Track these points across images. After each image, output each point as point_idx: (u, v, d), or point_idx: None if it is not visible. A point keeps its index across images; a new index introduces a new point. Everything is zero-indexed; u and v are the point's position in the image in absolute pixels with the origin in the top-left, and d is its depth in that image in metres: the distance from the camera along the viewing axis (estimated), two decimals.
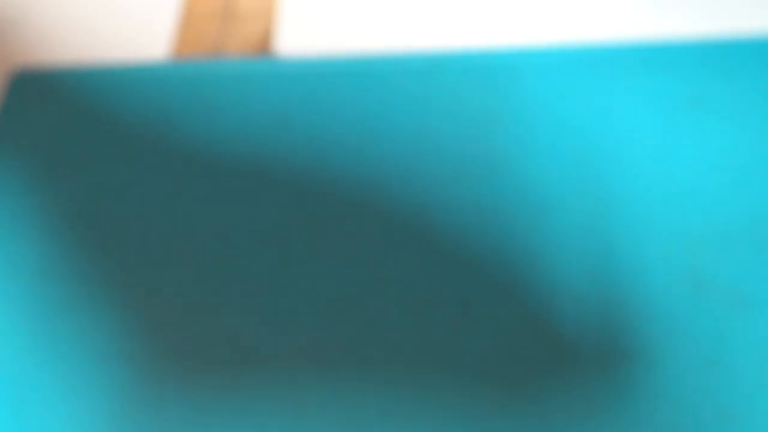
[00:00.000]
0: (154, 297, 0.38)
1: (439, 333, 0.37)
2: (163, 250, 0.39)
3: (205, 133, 0.43)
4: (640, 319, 0.37)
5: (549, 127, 0.43)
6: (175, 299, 0.38)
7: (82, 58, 0.47)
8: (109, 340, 0.37)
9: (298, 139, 0.42)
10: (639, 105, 0.43)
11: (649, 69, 0.45)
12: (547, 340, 0.36)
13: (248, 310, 0.38)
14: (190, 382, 0.36)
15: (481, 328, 0.37)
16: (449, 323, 0.37)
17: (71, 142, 0.43)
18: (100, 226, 0.40)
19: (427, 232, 0.39)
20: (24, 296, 0.38)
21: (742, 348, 0.36)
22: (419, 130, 0.43)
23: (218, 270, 0.38)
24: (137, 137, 0.43)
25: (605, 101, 0.44)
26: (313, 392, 0.35)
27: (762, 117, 0.42)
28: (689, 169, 0.42)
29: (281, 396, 0.35)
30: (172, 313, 0.38)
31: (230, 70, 0.45)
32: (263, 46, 0.46)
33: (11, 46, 0.48)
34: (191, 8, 0.48)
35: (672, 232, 0.39)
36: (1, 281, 0.39)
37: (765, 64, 0.43)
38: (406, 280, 0.38)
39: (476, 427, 0.35)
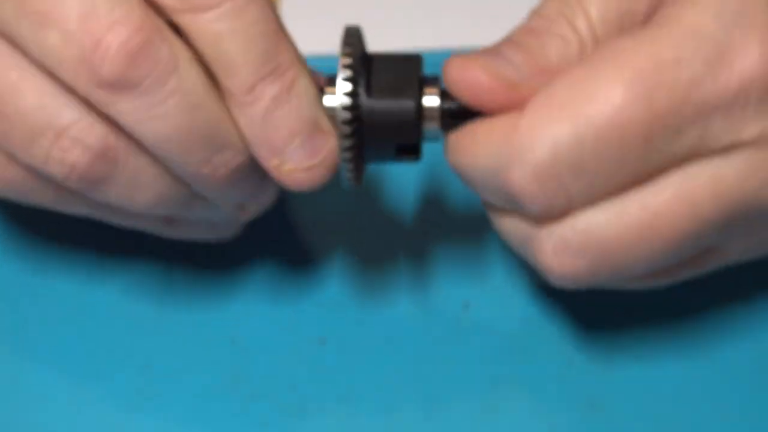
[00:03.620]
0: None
1: (439, 331, 0.37)
2: (156, 247, 0.39)
3: None
4: (637, 317, 0.37)
5: None
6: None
7: None
8: None
9: None
10: None
11: None
12: (546, 338, 0.37)
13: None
14: None
15: (480, 327, 0.37)
16: (448, 321, 0.37)
17: None
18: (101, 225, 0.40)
19: (426, 229, 0.39)
20: (25, 296, 0.38)
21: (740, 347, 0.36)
22: None
23: (212, 267, 0.38)
24: None
25: None
26: None
27: None
28: None
29: None
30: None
31: None
32: None
33: None
34: None
35: None
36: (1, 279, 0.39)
37: None
38: (404, 278, 0.38)
39: (477, 427, 0.35)
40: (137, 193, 0.31)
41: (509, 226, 0.31)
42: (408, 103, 0.30)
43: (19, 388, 0.36)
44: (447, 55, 0.44)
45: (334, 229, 0.39)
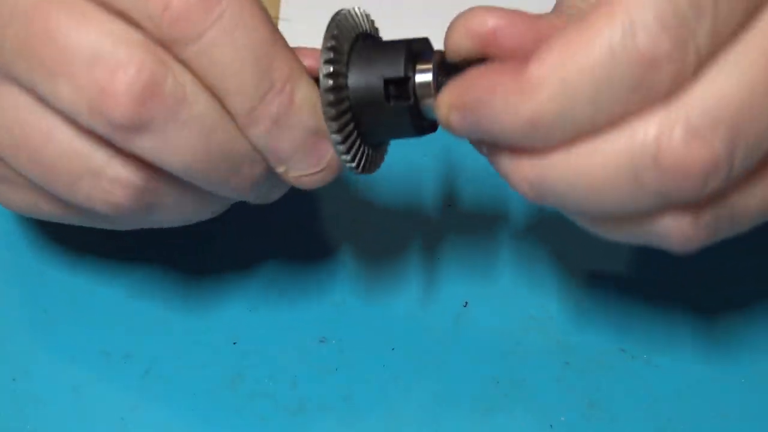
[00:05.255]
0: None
1: (439, 330, 0.37)
2: (160, 249, 0.39)
3: None
4: (637, 317, 0.37)
5: None
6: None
7: None
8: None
9: None
10: None
11: None
12: (545, 338, 0.37)
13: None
14: None
15: (480, 327, 0.37)
16: (448, 321, 0.37)
17: None
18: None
19: (426, 229, 0.39)
20: (26, 296, 0.38)
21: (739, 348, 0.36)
22: None
23: (213, 267, 0.39)
24: None
25: None
26: None
27: None
28: None
29: None
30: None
31: None
32: None
33: None
34: None
35: None
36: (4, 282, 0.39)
37: None
38: (405, 278, 0.38)
39: (477, 427, 0.35)
40: (177, 212, 0.31)
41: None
42: (397, 58, 0.30)
43: (20, 388, 0.36)
44: None
45: (334, 229, 0.39)
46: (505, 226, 0.39)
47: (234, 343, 0.37)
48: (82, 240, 0.39)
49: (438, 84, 0.29)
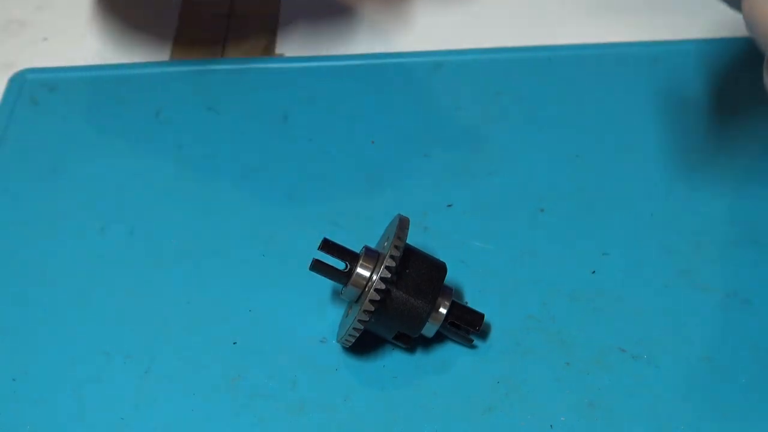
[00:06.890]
0: (149, 294, 0.38)
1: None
2: (161, 249, 0.39)
3: (205, 133, 0.43)
4: (637, 317, 0.37)
5: (548, 125, 0.43)
6: (172, 295, 0.38)
7: (85, 59, 0.47)
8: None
9: (297, 138, 0.43)
10: (636, 104, 0.44)
11: (645, 69, 0.45)
12: (545, 338, 0.37)
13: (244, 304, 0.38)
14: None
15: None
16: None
17: (73, 142, 0.43)
18: (101, 225, 0.40)
19: (426, 227, 0.39)
20: (21, 295, 0.38)
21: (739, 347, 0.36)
22: (419, 129, 0.43)
23: (213, 268, 0.39)
24: (139, 137, 0.43)
25: (603, 100, 0.44)
26: None
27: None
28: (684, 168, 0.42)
29: None
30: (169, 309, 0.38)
31: (231, 70, 0.45)
32: (264, 46, 0.46)
33: (15, 46, 0.48)
34: (193, 9, 0.48)
35: (668, 230, 0.39)
36: (1, 279, 0.39)
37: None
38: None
39: (477, 427, 0.35)
40: None
41: None
42: (425, 308, 0.34)
43: (20, 388, 0.36)
44: (446, 55, 0.43)
45: (333, 228, 0.39)
46: (506, 226, 0.39)
47: (234, 343, 0.37)
48: (82, 240, 0.39)
49: (446, 318, 0.35)
